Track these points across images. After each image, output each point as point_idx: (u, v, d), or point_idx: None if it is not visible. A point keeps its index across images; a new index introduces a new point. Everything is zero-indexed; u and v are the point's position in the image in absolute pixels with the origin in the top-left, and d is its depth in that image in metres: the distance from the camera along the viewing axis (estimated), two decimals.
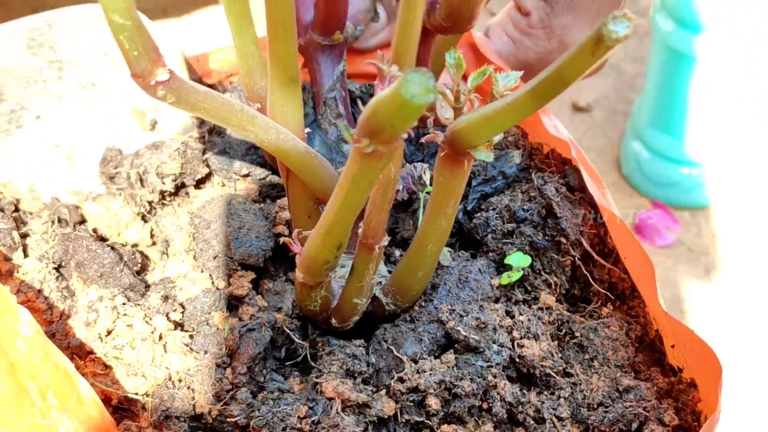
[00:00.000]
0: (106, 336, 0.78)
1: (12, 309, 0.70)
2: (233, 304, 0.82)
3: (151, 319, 0.79)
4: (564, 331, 0.83)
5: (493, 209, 0.87)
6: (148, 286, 0.83)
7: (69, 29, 0.96)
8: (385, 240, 0.71)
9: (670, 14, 1.75)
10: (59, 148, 0.89)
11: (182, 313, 0.81)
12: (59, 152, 0.89)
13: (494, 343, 0.76)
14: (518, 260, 0.83)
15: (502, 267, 0.85)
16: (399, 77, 0.47)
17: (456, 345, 0.77)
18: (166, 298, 0.82)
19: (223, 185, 0.92)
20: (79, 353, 0.78)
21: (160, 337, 0.78)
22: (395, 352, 0.75)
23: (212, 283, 0.83)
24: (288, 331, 0.77)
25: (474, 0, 0.65)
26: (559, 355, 0.79)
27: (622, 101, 2.05)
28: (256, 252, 0.84)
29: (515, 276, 0.82)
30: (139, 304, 0.81)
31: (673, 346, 0.81)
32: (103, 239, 0.88)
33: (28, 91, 0.91)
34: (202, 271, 0.84)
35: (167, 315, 0.80)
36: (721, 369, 0.72)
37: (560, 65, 0.51)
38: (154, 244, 0.89)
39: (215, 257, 0.84)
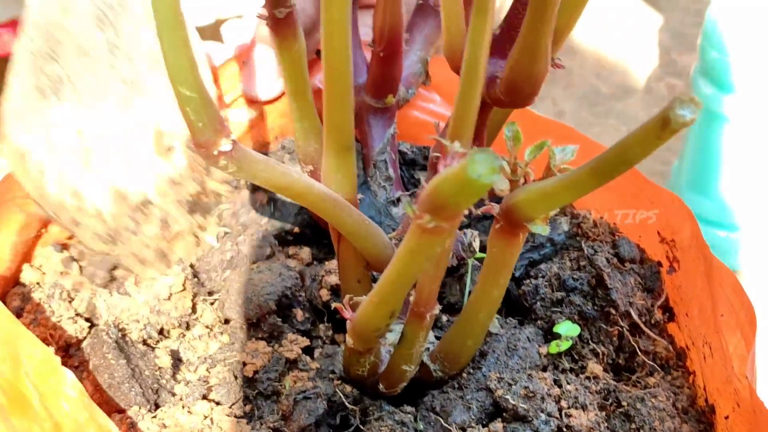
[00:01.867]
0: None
1: (57, 370, 0.70)
2: (284, 368, 0.82)
3: (191, 408, 0.79)
4: (611, 401, 0.82)
5: (543, 277, 0.87)
6: (157, 391, 0.83)
7: (137, 20, 0.93)
8: (437, 308, 0.70)
9: (709, 77, 1.75)
10: (81, 137, 0.88)
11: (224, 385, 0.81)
12: (80, 141, 0.88)
13: (542, 412, 0.75)
14: (567, 329, 0.82)
15: (549, 335, 0.85)
16: (463, 154, 0.47)
17: (504, 414, 0.76)
18: (205, 381, 0.82)
19: (272, 253, 0.92)
20: None
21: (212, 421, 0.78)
22: (444, 422, 0.75)
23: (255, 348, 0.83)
24: (342, 396, 0.77)
25: (537, 77, 0.65)
26: (606, 425, 0.78)
27: (660, 162, 2.05)
28: (302, 318, 0.85)
29: (564, 345, 0.82)
30: (153, 413, 0.80)
31: (727, 417, 0.79)
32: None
33: (80, 63, 0.89)
34: (233, 340, 0.85)
35: (204, 396, 0.80)
36: None
37: (625, 145, 0.51)
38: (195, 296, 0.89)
39: (252, 321, 0.84)
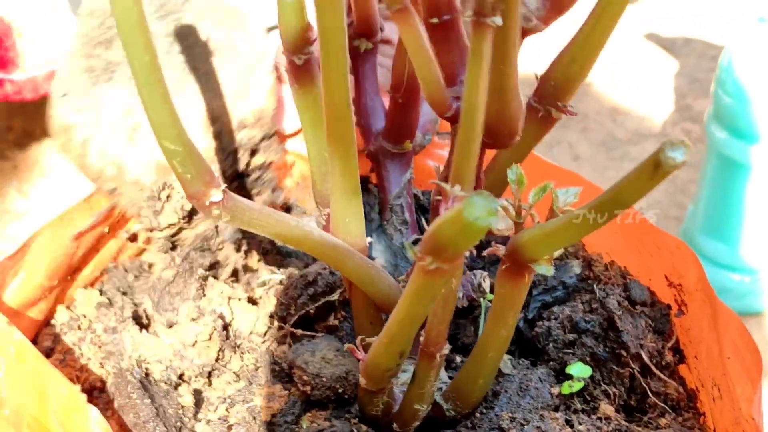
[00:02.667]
0: None
1: (82, 408, 0.72)
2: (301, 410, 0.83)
3: None
4: None
5: (555, 319, 0.88)
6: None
7: (199, 12, 0.93)
8: (446, 348, 0.72)
9: (723, 123, 1.76)
10: (128, 116, 0.88)
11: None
12: (127, 120, 0.89)
13: None
14: (579, 371, 0.83)
15: (561, 376, 0.86)
16: (462, 198, 0.49)
17: None
18: (225, 420, 0.83)
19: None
20: None
21: None
22: None
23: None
24: None
25: (511, 118, 0.66)
26: None
27: (675, 206, 2.05)
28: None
29: (576, 386, 0.83)
30: None
31: None
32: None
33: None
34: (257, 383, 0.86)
35: None
36: None
37: (618, 188, 0.53)
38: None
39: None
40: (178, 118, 0.59)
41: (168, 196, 0.89)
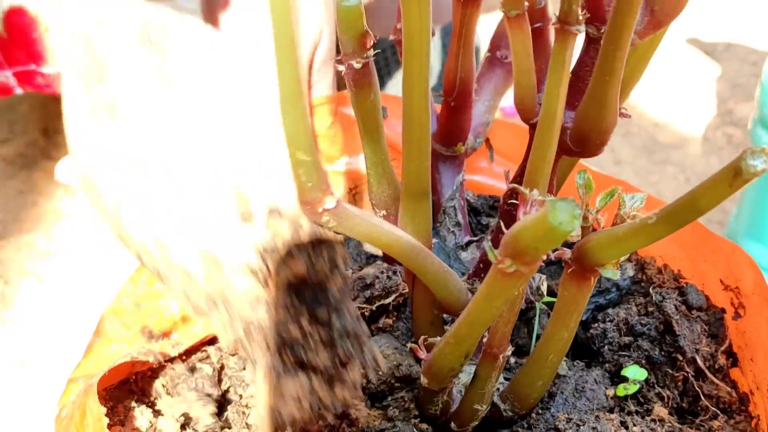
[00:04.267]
0: None
1: None
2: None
3: None
4: None
5: (610, 321, 0.89)
6: None
7: (182, 44, 0.81)
8: (509, 350, 0.73)
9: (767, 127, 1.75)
10: (150, 178, 0.78)
11: None
12: (151, 184, 0.78)
13: None
14: (635, 373, 0.84)
15: (616, 378, 0.87)
16: (542, 202, 0.50)
17: None
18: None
19: None
20: None
21: None
22: None
23: None
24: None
25: (606, 128, 0.67)
26: None
27: (718, 211, 2.05)
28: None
29: (632, 389, 0.84)
30: None
31: None
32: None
33: (132, 82, 0.79)
34: None
35: None
36: None
37: (696, 194, 0.54)
38: None
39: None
40: (311, 130, 0.60)
41: None
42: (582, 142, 0.69)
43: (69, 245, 1.65)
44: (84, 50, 0.78)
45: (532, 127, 0.73)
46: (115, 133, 0.78)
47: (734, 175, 0.50)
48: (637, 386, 0.85)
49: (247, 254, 0.76)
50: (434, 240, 0.92)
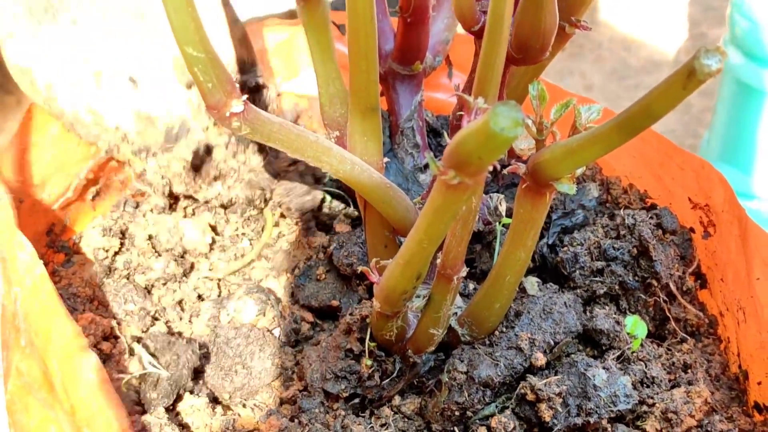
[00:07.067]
0: None
1: (81, 351, 0.70)
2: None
3: None
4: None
5: (580, 245, 0.86)
6: None
7: None
8: (464, 271, 0.70)
9: (740, 48, 1.72)
10: (87, 58, 0.86)
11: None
12: (87, 62, 0.86)
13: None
14: (632, 326, 0.82)
15: (588, 304, 0.84)
16: (486, 109, 0.47)
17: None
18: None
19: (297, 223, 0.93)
20: None
21: None
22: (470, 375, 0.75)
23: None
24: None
25: (544, 31, 0.64)
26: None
27: (690, 135, 2.03)
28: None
29: (635, 345, 0.81)
30: None
31: (759, 383, 0.79)
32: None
33: None
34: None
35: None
36: None
37: (650, 98, 0.51)
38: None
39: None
40: (201, 23, 0.57)
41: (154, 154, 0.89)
42: (523, 47, 0.67)
43: None
44: None
45: (477, 36, 0.70)
46: (54, 28, 0.85)
47: (688, 76, 0.47)
48: (639, 341, 0.81)
49: (184, 110, 0.87)
50: (392, 161, 0.90)
